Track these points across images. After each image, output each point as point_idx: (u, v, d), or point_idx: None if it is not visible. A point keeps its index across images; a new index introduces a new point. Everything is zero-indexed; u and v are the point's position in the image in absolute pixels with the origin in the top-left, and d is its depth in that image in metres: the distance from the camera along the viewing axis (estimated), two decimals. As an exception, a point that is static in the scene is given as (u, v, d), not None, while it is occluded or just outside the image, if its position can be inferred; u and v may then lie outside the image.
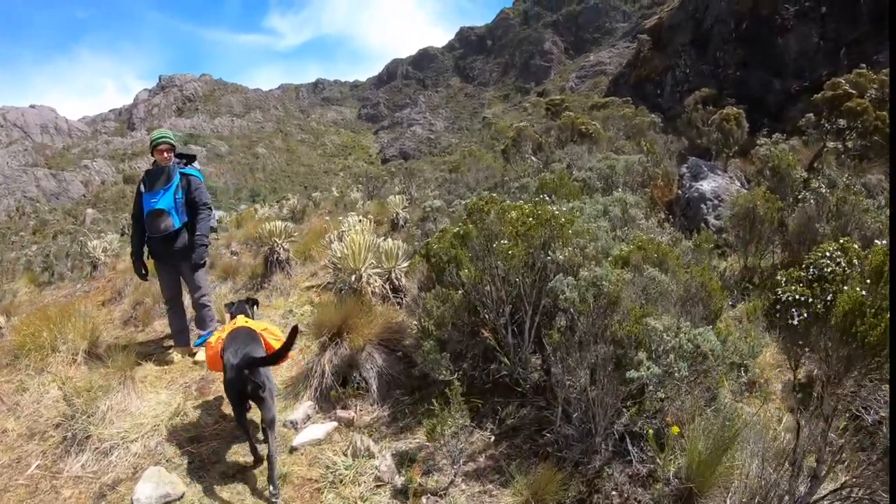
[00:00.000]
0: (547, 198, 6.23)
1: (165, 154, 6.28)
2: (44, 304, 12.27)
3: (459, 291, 4.50)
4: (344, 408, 4.84)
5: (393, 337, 5.36)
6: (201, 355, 6.45)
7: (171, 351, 6.81)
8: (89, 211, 55.13)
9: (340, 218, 10.40)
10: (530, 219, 4.21)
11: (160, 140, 6.29)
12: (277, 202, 28.58)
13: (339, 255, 6.66)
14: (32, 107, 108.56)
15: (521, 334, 4.35)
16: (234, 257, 12.02)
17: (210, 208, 6.52)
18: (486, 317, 4.40)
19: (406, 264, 6.83)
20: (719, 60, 26.86)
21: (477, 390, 4.55)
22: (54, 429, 5.05)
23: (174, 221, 6.17)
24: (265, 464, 4.04)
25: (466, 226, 4.51)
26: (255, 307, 5.38)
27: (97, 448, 4.63)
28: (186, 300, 6.93)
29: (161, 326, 7.91)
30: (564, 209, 5.14)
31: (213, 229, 6.84)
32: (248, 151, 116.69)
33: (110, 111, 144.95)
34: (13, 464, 4.81)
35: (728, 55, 26.29)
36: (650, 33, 36.02)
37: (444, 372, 4.24)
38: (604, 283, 3.65)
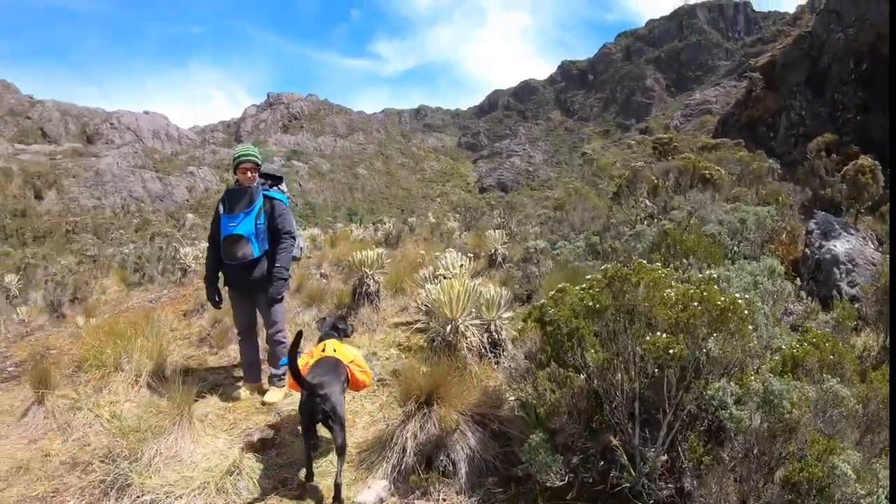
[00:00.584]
0: (676, 257, 5.35)
1: (249, 173, 5.79)
2: (125, 308, 12.12)
3: (581, 375, 3.65)
4: (424, 494, 3.96)
5: (490, 410, 4.51)
6: (271, 395, 5.81)
7: (239, 385, 6.24)
8: (189, 215, 56.86)
9: (437, 254, 9.65)
10: (695, 303, 3.21)
11: (243, 157, 5.82)
12: (373, 224, 28.31)
13: (434, 299, 5.90)
14: (146, 112, 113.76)
15: (652, 438, 3.43)
16: (324, 280, 11.46)
17: (293, 237, 5.94)
18: (611, 412, 3.52)
19: (508, 315, 6.03)
20: (837, 103, 25.22)
21: (587, 494, 3.64)
22: (100, 461, 4.46)
23: (253, 249, 5.60)
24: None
25: (599, 295, 3.59)
26: (344, 326, 5.45)
27: (137, 498, 3.99)
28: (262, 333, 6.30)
29: (235, 352, 7.27)
30: (703, 276, 4.24)
31: (297, 259, 6.26)
32: (348, 171, 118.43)
33: (219, 122, 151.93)
34: (48, 497, 4.31)
35: (847, 97, 24.60)
36: (762, 71, 34.50)
37: (554, 478, 3.38)
38: (783, 402, 2.75)
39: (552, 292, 4.44)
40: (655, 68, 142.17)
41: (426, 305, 6.82)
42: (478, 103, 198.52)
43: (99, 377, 6.07)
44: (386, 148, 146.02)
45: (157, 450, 4.37)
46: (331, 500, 3.99)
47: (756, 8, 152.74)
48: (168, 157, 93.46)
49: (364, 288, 8.46)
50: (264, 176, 6.01)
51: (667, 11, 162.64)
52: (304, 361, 4.53)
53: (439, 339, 5.64)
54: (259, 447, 4.77)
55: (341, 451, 4.01)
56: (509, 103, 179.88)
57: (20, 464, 4.80)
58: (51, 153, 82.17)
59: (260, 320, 6.16)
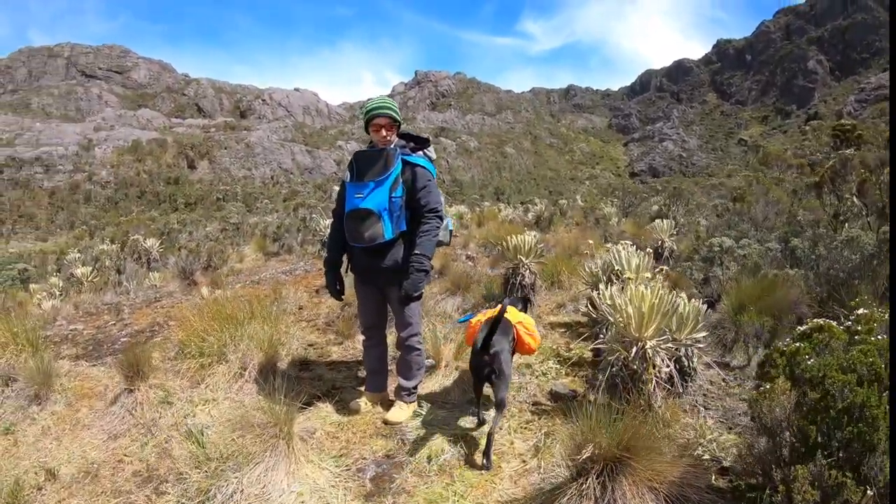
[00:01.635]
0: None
1: (384, 132, 4.33)
2: (258, 279, 11.47)
3: (869, 492, 2.17)
4: None
5: (691, 480, 3.05)
6: (396, 414, 4.54)
7: (361, 389, 5.03)
8: (335, 188, 57.38)
9: (608, 245, 8.11)
10: None
11: (377, 111, 4.34)
12: (522, 204, 26.95)
13: (615, 309, 4.41)
14: (297, 90, 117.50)
15: None
16: (469, 263, 10.26)
17: (440, 217, 4.42)
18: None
19: (703, 336, 4.47)
20: None
21: None
22: (175, 482, 3.60)
23: (385, 229, 4.20)
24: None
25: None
26: (528, 306, 5.45)
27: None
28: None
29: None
30: None
31: (443, 244, 4.67)
32: (496, 150, 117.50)
33: (368, 99, 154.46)
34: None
35: None
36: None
37: None
38: None
39: (803, 327, 2.99)
40: (818, 49, 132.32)
41: (596, 311, 5.37)
42: (629, 84, 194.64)
43: (197, 367, 5.14)
44: (534, 127, 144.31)
45: (241, 483, 3.37)
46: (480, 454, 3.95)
47: None
48: (317, 132, 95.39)
49: (518, 279, 7.15)
50: (405, 137, 4.56)
51: None
52: (476, 319, 4.51)
53: (620, 365, 4.16)
54: (373, 491, 3.57)
55: (500, 406, 3.99)
56: (662, 84, 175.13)
57: (90, 468, 4.02)
58: (204, 126, 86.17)
59: (390, 316, 4.89)
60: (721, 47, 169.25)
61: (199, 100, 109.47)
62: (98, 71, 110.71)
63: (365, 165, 4.30)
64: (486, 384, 4.17)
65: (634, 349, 4.07)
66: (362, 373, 5.38)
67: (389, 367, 5.03)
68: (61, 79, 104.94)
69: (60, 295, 11.82)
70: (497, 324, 4.05)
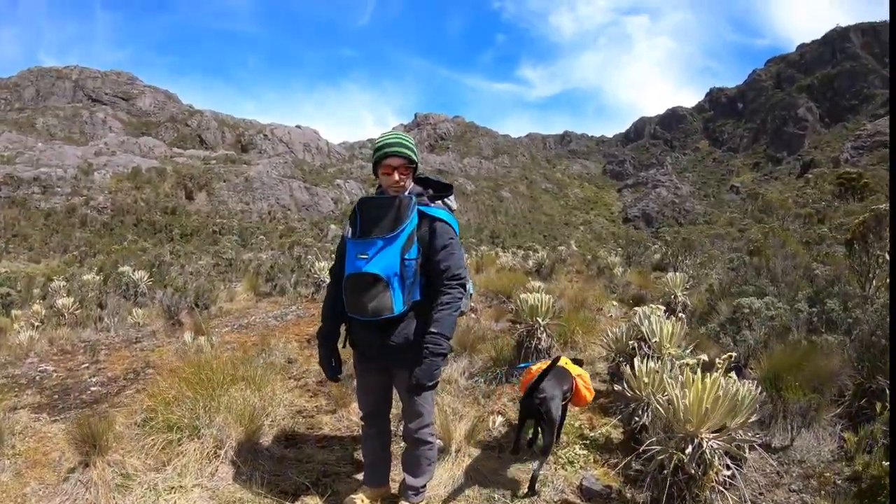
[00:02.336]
0: None
1: (397, 175, 3.41)
2: (246, 323, 10.80)
3: None
4: None
5: None
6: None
7: (357, 478, 4.19)
8: (332, 226, 56.57)
9: (638, 310, 7.28)
10: None
11: (391, 148, 3.40)
12: (521, 249, 26.31)
13: (667, 406, 3.66)
14: (298, 127, 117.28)
15: None
16: (472, 316, 9.53)
17: (463, 284, 3.48)
18: None
19: (754, 419, 3.76)
20: None
21: None
22: None
23: (394, 300, 3.28)
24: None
25: None
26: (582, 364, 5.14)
27: None
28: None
29: (358, 411, 5.33)
30: None
31: (463, 313, 3.65)
32: (492, 193, 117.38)
33: (368, 140, 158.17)
34: None
35: None
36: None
37: None
38: None
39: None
40: (808, 96, 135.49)
41: (627, 387, 4.66)
42: (623, 130, 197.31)
43: (163, 445, 4.34)
44: (530, 172, 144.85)
45: None
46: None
47: None
48: (316, 170, 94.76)
49: (534, 342, 6.42)
50: (423, 182, 3.67)
51: (818, 35, 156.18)
52: (536, 367, 4.43)
53: (668, 465, 3.40)
54: None
55: (545, 451, 4.00)
56: (655, 131, 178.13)
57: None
58: (205, 158, 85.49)
59: (395, 402, 3.94)
60: (713, 95, 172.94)
61: (202, 131, 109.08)
62: (104, 96, 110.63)
63: (372, 217, 3.37)
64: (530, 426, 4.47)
65: (690, 448, 3.36)
66: (359, 453, 4.56)
67: (394, 457, 4.19)
68: (68, 101, 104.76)
69: (41, 324, 11.09)
70: (549, 370, 4.11)
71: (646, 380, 3.92)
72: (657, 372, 4.37)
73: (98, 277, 16.58)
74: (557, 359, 4.34)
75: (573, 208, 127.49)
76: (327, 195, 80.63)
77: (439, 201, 3.59)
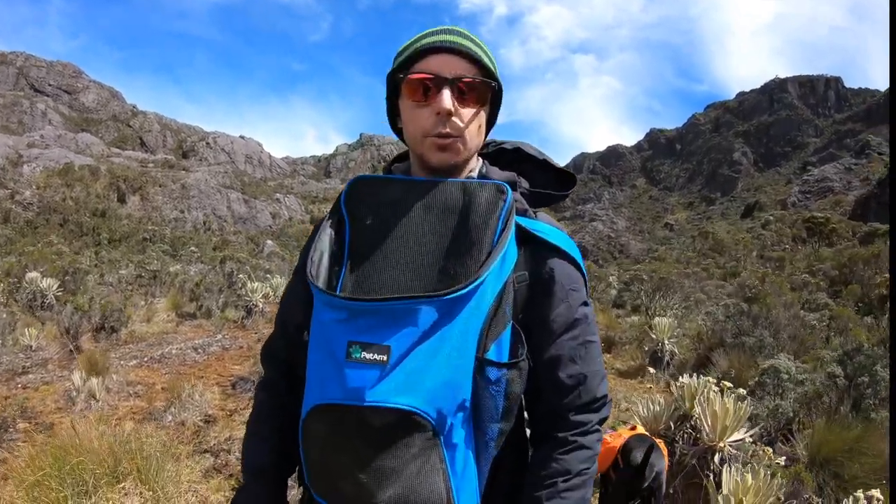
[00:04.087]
0: None
1: (450, 103, 1.27)
2: (159, 355, 9.09)
3: None
4: None
5: None
6: None
7: None
8: (269, 242, 54.09)
9: (683, 381, 5.73)
10: None
11: (440, 37, 1.31)
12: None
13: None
14: (242, 137, 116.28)
15: None
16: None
17: (604, 419, 1.38)
18: None
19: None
20: None
21: None
22: None
23: (455, 486, 1.17)
24: None
25: None
26: None
27: None
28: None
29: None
30: None
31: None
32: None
33: (311, 157, 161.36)
34: None
35: None
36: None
37: None
38: None
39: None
40: (744, 142, 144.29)
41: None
42: (563, 164, 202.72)
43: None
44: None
45: None
46: None
47: (847, 84, 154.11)
48: (256, 182, 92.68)
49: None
50: (517, 160, 1.57)
51: (757, 84, 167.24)
52: (609, 436, 2.69)
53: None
54: None
55: None
56: (595, 167, 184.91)
57: None
58: (142, 160, 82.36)
59: None
60: (653, 136, 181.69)
61: (144, 133, 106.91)
62: (48, 87, 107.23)
63: (398, 236, 1.29)
64: None
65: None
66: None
67: None
68: (9, 88, 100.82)
69: None
70: (648, 441, 2.83)
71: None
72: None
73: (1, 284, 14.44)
74: (634, 427, 3.03)
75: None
76: (266, 209, 78.44)
77: (542, 210, 1.52)
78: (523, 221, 1.33)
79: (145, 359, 8.86)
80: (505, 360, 1.23)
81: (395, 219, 1.30)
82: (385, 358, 1.11)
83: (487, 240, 1.22)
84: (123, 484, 3.42)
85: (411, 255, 1.25)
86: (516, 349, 1.26)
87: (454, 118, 1.29)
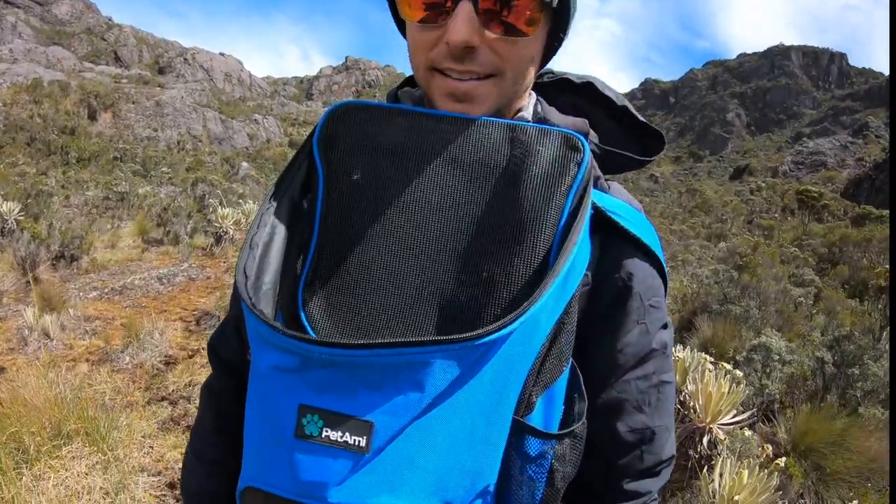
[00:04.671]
0: None
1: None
2: (121, 286, 8.68)
3: None
4: None
5: None
6: None
7: None
8: (244, 164, 52.87)
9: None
10: None
11: None
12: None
13: None
14: (222, 54, 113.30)
15: None
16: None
17: (666, 482, 0.94)
18: None
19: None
20: None
21: None
22: None
23: None
24: None
25: None
26: None
27: None
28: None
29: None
30: None
31: None
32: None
33: (293, 77, 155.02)
34: None
35: None
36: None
37: None
38: None
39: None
40: (739, 103, 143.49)
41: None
42: None
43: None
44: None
45: None
46: None
47: (851, 62, 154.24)
48: (235, 101, 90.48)
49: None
50: (584, 99, 1.04)
51: (760, 48, 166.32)
52: None
53: None
54: None
55: None
56: None
57: None
58: (116, 76, 79.51)
59: None
60: (648, 85, 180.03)
61: (119, 47, 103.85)
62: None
63: (385, 203, 0.80)
64: None
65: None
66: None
67: None
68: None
69: None
70: None
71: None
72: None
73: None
74: None
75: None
76: (243, 129, 76.83)
77: (610, 183, 0.96)
78: (598, 198, 0.85)
79: (106, 290, 8.47)
80: (555, 427, 0.78)
81: (399, 177, 0.80)
82: (364, 443, 0.65)
83: (548, 228, 0.75)
84: (70, 447, 3.10)
85: (421, 244, 0.77)
86: (571, 404, 0.80)
87: (481, 51, 0.79)
